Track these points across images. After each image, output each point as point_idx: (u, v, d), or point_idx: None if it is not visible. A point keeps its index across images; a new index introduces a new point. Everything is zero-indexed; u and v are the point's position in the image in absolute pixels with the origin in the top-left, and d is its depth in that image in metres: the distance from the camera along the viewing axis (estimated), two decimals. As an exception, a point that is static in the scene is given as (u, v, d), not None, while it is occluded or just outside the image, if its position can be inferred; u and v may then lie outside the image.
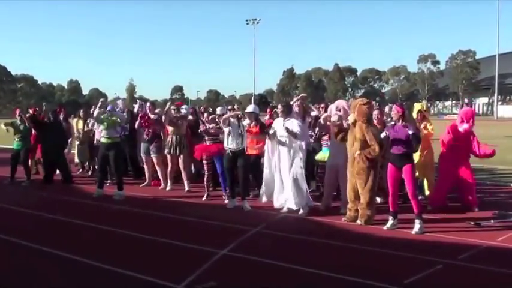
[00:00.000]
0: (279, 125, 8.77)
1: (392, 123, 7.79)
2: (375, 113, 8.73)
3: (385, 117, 9.62)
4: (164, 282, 5.25)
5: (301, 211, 8.49)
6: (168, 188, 10.92)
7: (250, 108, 9.59)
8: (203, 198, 9.78)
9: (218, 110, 10.25)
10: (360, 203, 7.87)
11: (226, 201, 9.35)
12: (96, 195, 10.17)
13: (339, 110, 8.92)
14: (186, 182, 10.75)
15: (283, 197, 8.67)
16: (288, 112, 8.76)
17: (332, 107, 9.26)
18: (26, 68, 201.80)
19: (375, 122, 8.48)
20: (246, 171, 9.10)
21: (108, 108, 10.40)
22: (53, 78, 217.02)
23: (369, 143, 7.70)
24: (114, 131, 10.16)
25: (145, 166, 11.64)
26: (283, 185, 8.66)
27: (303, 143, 8.67)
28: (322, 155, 9.45)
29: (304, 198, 8.54)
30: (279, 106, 9.05)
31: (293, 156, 8.56)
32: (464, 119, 8.77)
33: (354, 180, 7.94)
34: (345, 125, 8.42)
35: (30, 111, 12.86)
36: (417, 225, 7.26)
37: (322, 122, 9.26)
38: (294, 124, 8.55)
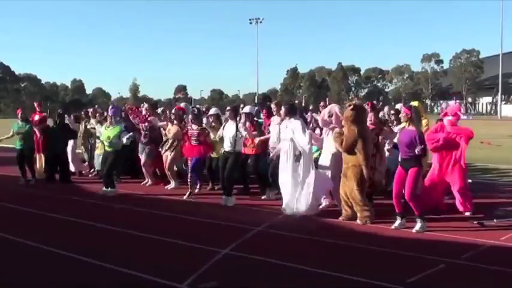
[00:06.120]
0: (282, 126, 8.74)
1: (402, 126, 7.74)
2: (370, 115, 8.66)
3: (386, 117, 9.62)
4: (167, 281, 5.25)
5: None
6: (172, 186, 10.92)
7: (246, 109, 9.94)
8: (184, 197, 9.80)
9: (212, 111, 10.40)
10: (355, 207, 7.87)
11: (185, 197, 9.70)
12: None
13: (331, 116, 8.73)
14: (172, 180, 10.93)
15: (294, 201, 8.47)
16: (291, 113, 8.66)
17: (325, 112, 9.00)
18: (29, 68, 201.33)
19: (370, 124, 8.43)
20: (231, 172, 9.24)
21: (110, 112, 10.44)
22: (57, 77, 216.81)
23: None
24: (117, 140, 10.10)
25: (143, 168, 11.57)
26: (294, 189, 8.47)
27: (307, 144, 8.43)
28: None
29: (313, 201, 8.48)
30: (283, 107, 8.85)
31: (300, 157, 8.46)
32: (449, 113, 8.64)
33: (344, 180, 7.98)
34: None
35: (36, 107, 12.94)
36: (418, 223, 7.25)
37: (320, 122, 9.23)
38: (296, 124, 8.46)
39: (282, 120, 8.89)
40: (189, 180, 9.96)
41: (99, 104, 29.28)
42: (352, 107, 7.96)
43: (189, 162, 10.10)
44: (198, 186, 10.41)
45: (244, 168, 10.13)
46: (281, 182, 8.67)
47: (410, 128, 7.39)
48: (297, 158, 8.44)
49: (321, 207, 8.79)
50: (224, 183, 9.40)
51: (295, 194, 8.43)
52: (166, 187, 10.98)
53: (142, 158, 11.30)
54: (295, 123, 8.49)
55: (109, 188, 10.23)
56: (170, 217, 8.48)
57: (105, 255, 6.11)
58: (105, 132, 10.34)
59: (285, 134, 8.57)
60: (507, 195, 10.27)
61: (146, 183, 11.48)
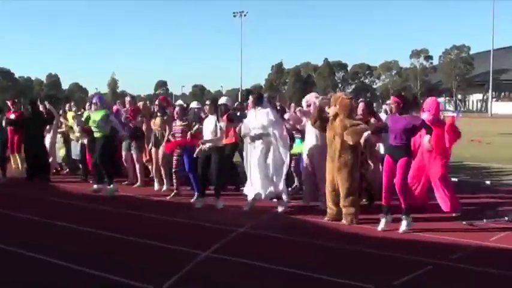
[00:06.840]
0: (251, 116, 8.69)
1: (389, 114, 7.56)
2: (360, 105, 8.54)
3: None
4: (146, 284, 5.11)
5: (280, 209, 8.43)
6: (157, 187, 10.59)
7: (222, 100, 9.91)
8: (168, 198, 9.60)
9: (194, 104, 10.20)
10: (342, 202, 7.69)
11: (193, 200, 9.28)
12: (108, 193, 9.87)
13: (309, 106, 8.81)
14: (165, 180, 10.49)
15: (255, 187, 8.52)
16: (259, 102, 8.66)
17: (303, 102, 9.11)
18: (2, 62, 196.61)
19: (360, 115, 8.31)
20: (219, 167, 8.82)
21: (94, 100, 10.12)
22: (31, 72, 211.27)
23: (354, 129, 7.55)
24: (104, 123, 9.70)
25: (125, 164, 11.24)
26: (257, 176, 8.47)
27: (277, 132, 8.43)
28: (299, 146, 9.31)
29: (278, 190, 8.42)
30: (250, 97, 8.93)
31: (268, 146, 8.43)
32: (425, 109, 8.23)
33: (333, 177, 7.76)
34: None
35: (9, 104, 12.45)
36: (403, 222, 7.06)
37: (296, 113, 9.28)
38: (265, 113, 8.46)
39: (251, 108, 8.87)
40: (174, 179, 9.69)
41: (76, 100, 28.72)
42: (349, 96, 7.92)
43: (174, 157, 9.51)
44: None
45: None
46: (251, 172, 8.61)
47: (403, 116, 7.12)
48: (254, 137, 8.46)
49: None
50: (213, 183, 9.06)
51: (262, 181, 8.43)
52: (156, 189, 10.57)
53: (134, 154, 10.86)
54: (263, 111, 8.52)
55: (104, 185, 9.85)
56: (149, 218, 8.24)
57: (81, 257, 5.91)
58: (91, 116, 9.90)
59: (255, 123, 8.54)
60: (497, 194, 10.14)
61: (133, 184, 11.06)
